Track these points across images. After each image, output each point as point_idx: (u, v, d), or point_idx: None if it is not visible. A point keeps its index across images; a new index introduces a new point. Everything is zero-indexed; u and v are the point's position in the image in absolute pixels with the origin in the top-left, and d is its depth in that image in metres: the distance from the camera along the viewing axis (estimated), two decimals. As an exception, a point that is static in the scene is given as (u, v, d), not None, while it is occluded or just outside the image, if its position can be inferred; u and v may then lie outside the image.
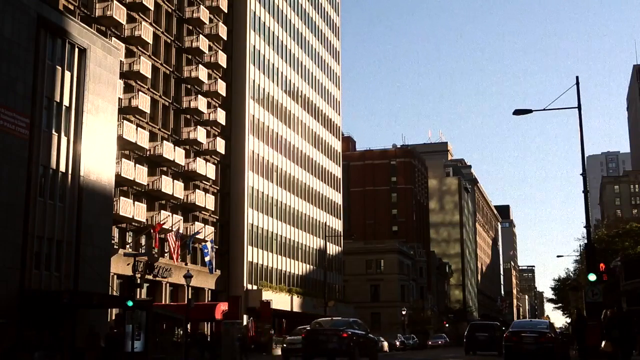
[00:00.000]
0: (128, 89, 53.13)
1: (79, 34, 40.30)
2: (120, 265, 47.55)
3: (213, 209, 64.51)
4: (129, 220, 50.86)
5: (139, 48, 55.25)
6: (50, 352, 31.95)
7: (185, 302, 44.70)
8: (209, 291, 63.99)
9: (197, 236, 58.74)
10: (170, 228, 54.41)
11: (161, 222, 53.07)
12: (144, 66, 54.00)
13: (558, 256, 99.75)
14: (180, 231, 55.95)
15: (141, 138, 52.53)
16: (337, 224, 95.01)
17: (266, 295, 66.70)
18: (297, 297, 75.91)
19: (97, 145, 40.92)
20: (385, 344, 66.13)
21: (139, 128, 52.92)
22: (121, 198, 49.54)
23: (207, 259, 60.06)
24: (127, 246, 51.41)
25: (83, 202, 39.31)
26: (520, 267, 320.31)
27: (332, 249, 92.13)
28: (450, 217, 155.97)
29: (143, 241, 54.50)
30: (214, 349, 43.50)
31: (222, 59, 67.07)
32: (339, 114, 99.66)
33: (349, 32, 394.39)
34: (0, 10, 35.09)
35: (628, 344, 23.57)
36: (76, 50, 40.12)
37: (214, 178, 64.97)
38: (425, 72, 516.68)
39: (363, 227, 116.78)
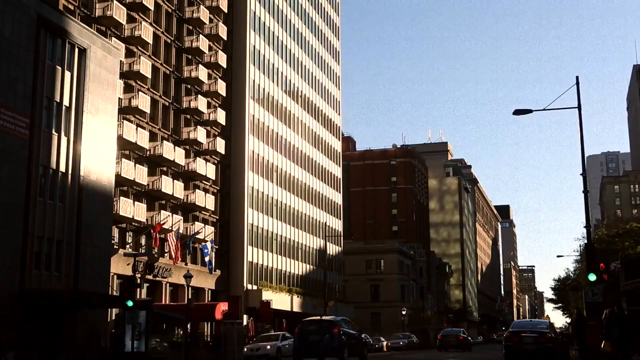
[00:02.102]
0: (128, 89, 53.14)
1: (79, 34, 40.31)
2: (120, 265, 47.56)
3: (213, 209, 64.51)
4: (129, 220, 50.87)
5: (139, 48, 55.26)
6: (26, 352, 31.55)
7: (185, 302, 44.73)
8: (209, 291, 63.99)
9: (197, 236, 58.75)
10: (170, 228, 54.42)
11: (161, 222, 53.07)
12: (144, 66, 54.00)
13: (558, 256, 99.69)
14: (180, 231, 55.96)
15: (141, 138, 52.54)
16: (337, 224, 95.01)
17: (266, 295, 66.70)
18: (297, 297, 75.92)
19: (97, 145, 40.93)
20: (385, 343, 66.19)
21: (139, 128, 52.93)
22: (121, 198, 49.55)
23: (207, 259, 60.07)
24: (127, 246, 51.42)
25: (83, 202, 39.33)
26: (520, 267, 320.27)
27: (332, 249, 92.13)
28: (450, 217, 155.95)
29: (143, 241, 54.50)
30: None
31: (222, 59, 67.08)
32: (339, 114, 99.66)
33: (349, 32, 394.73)
34: (0, 10, 35.11)
35: (628, 344, 23.55)
36: (76, 50, 40.14)
37: (214, 178, 64.98)
38: (425, 72, 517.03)
39: (363, 227, 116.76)
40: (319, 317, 31.80)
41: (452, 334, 56.62)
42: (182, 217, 58.10)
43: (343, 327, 28.05)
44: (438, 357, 40.04)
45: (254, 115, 71.45)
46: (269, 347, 40.31)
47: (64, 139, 38.81)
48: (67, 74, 39.42)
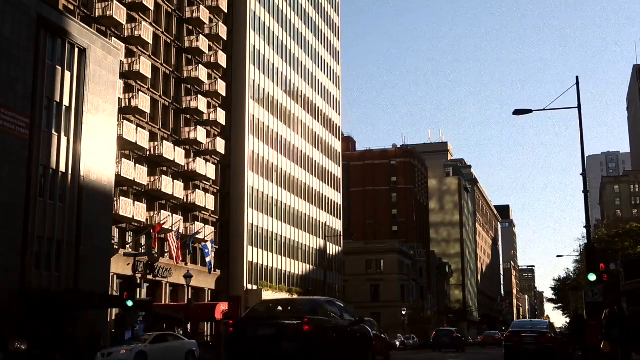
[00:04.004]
0: (128, 89, 53.14)
1: (79, 34, 40.33)
2: (120, 265, 47.55)
3: (213, 209, 64.51)
4: (129, 220, 50.86)
5: (139, 48, 55.26)
6: (9, 353, 31.42)
7: (185, 302, 44.74)
8: (209, 291, 63.98)
9: (197, 236, 58.75)
10: (170, 228, 54.41)
11: (161, 222, 53.07)
12: (144, 66, 54.00)
13: (558, 256, 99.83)
14: (180, 231, 55.95)
15: (141, 138, 52.53)
16: (337, 224, 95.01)
17: (266, 295, 66.68)
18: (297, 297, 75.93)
19: (97, 145, 40.95)
20: None
21: (139, 128, 52.93)
22: (121, 198, 49.55)
23: (207, 259, 60.04)
24: (127, 246, 51.41)
25: (83, 202, 39.35)
26: (520, 267, 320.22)
27: (332, 249, 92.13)
28: (450, 217, 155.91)
29: (143, 241, 54.50)
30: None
31: (222, 59, 67.08)
32: (339, 114, 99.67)
33: (349, 32, 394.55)
34: (0, 10, 35.12)
35: (628, 345, 23.54)
36: (76, 50, 40.16)
37: (214, 178, 64.98)
38: (425, 72, 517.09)
39: (363, 227, 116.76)
40: (447, 328, 61.59)
41: (491, 335, 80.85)
42: (182, 217, 58.09)
43: (457, 332, 55.41)
44: (432, 357, 40.28)
45: (254, 115, 71.45)
46: (123, 351, 30.87)
47: (64, 139, 38.83)
48: (67, 74, 39.44)
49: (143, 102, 53.62)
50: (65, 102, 39.13)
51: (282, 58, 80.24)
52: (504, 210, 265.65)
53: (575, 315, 29.29)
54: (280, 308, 15.73)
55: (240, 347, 14.32)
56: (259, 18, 74.68)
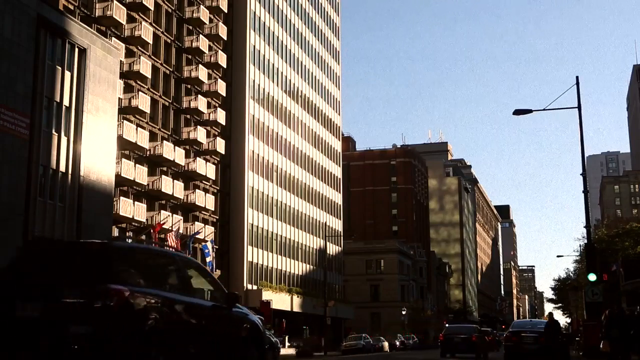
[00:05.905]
0: (128, 89, 53.13)
1: (79, 34, 40.32)
2: (120, 265, 47.44)
3: (213, 209, 64.51)
4: (129, 220, 50.87)
5: (139, 48, 55.25)
6: None
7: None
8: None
9: (197, 236, 58.74)
10: (170, 228, 54.41)
11: (161, 222, 53.08)
12: (144, 66, 53.99)
13: (558, 256, 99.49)
14: (180, 231, 55.94)
15: (141, 138, 52.53)
16: (337, 224, 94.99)
17: (266, 295, 66.69)
18: (297, 297, 75.89)
19: (97, 145, 40.93)
20: (386, 344, 66.25)
21: (139, 128, 52.93)
22: (121, 198, 49.55)
23: (208, 259, 60.00)
24: (127, 246, 51.33)
25: (83, 202, 39.34)
26: (520, 267, 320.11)
27: (332, 249, 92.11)
28: (450, 217, 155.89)
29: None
30: None
31: (222, 59, 67.07)
32: (339, 114, 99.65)
33: (349, 32, 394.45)
34: (0, 10, 35.10)
35: (628, 345, 23.51)
36: (76, 50, 40.15)
37: (214, 178, 64.98)
38: (425, 72, 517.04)
39: (363, 227, 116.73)
40: (487, 329, 66.48)
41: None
42: (182, 217, 58.10)
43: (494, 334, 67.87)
44: (431, 356, 40.31)
45: (254, 115, 71.44)
46: None
47: (64, 139, 38.82)
48: (67, 74, 39.43)
49: (143, 102, 53.62)
50: (65, 102, 39.13)
51: (282, 58, 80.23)
52: (504, 210, 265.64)
53: (549, 319, 29.08)
54: (461, 329, 37.31)
55: (448, 345, 34.40)
56: (259, 18, 74.67)
